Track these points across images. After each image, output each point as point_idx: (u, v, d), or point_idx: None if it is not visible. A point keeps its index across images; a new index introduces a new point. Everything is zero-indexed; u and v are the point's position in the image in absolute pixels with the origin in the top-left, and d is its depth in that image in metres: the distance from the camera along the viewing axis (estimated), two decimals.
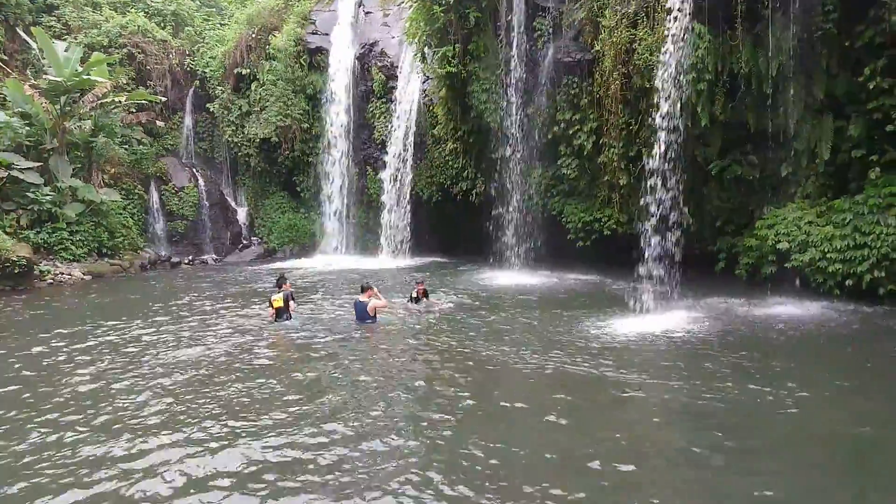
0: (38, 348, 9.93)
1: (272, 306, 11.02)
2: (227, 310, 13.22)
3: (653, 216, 12.58)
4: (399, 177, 22.98)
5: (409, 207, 22.95)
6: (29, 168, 19.32)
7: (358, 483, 4.95)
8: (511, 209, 18.36)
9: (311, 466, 5.27)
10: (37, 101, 20.18)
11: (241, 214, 27.99)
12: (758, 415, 6.41)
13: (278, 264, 23.49)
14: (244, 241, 27.41)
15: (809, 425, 6.28)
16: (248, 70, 25.80)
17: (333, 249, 25.10)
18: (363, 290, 11.23)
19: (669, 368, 8.31)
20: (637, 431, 6.03)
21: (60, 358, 9.26)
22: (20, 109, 20.55)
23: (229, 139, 26.79)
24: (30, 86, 20.68)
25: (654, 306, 11.60)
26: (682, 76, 12.98)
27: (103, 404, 7.02)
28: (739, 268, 14.29)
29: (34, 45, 21.83)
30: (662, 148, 12.85)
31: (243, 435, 5.99)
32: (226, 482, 5.01)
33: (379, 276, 17.90)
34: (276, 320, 10.98)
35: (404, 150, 22.77)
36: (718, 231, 15.22)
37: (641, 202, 13.38)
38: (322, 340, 10.11)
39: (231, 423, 6.33)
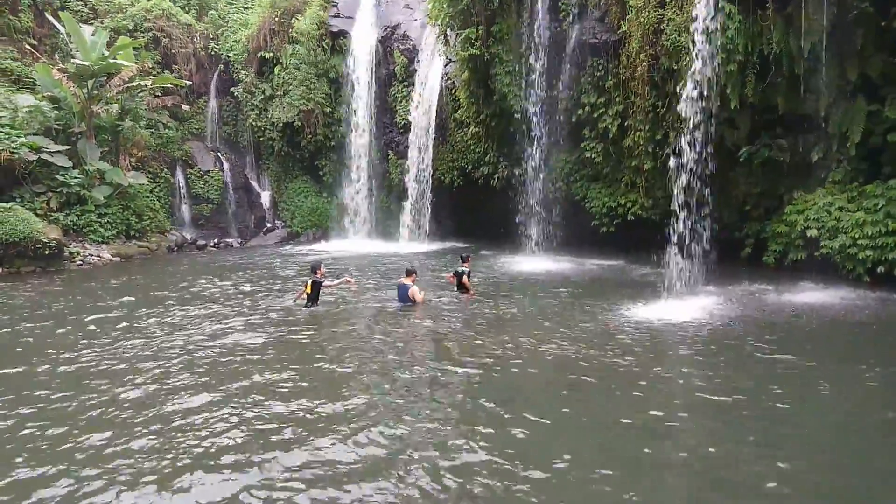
0: (89, 327, 10.17)
1: (306, 290, 11.15)
2: (258, 292, 13.39)
3: (679, 201, 12.40)
4: (420, 161, 22.98)
5: (429, 192, 22.96)
6: (58, 151, 19.63)
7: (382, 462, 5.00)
8: (533, 194, 18.25)
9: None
10: (65, 85, 20.46)
11: (265, 198, 28.23)
12: (787, 405, 6.27)
13: (301, 247, 23.72)
14: (268, 225, 27.68)
15: (836, 412, 6.19)
16: (272, 54, 25.85)
17: (354, 233, 25.24)
18: (408, 273, 11.42)
19: (694, 355, 8.19)
20: (660, 421, 5.91)
21: (103, 339, 9.47)
22: (49, 93, 20.87)
23: (253, 123, 26.95)
24: (58, 70, 20.94)
25: (678, 292, 11.47)
26: (711, 58, 12.72)
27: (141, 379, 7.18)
28: (767, 254, 14.07)
29: (62, 30, 22.08)
30: (690, 131, 12.62)
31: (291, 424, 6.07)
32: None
33: (399, 260, 17.98)
34: (307, 305, 11.10)
35: (426, 134, 22.74)
36: (746, 216, 14.98)
37: (667, 186, 13.20)
38: (349, 322, 10.22)
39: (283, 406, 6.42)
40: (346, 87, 25.20)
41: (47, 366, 7.90)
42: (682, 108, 12.85)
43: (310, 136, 25.71)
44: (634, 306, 10.85)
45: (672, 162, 12.76)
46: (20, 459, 5.17)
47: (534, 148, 17.83)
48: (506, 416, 5.97)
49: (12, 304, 12.46)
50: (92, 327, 10.13)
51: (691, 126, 12.68)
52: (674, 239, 12.25)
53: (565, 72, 16.70)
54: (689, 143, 12.61)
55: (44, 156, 19.15)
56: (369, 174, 25.19)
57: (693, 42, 12.71)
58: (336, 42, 25.44)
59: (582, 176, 17.62)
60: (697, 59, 12.67)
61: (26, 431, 5.77)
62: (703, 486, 4.75)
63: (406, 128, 23.70)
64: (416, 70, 23.35)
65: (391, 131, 25.03)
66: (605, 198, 16.95)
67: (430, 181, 22.94)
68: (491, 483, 4.63)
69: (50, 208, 19.12)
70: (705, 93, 12.73)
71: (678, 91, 13.21)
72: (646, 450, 5.24)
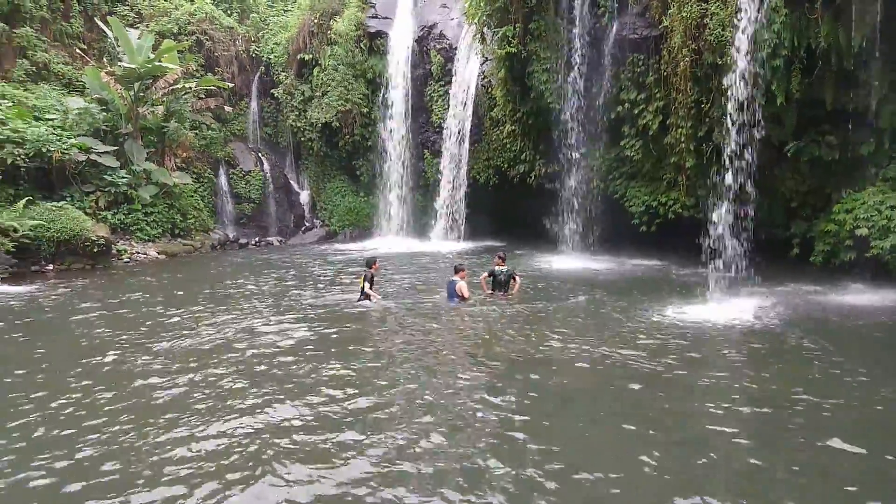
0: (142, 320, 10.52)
1: (361, 284, 11.38)
2: (300, 288, 13.68)
3: (722, 199, 12.11)
4: (456, 160, 23.02)
5: (465, 190, 22.99)
6: (106, 152, 20.30)
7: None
8: (570, 192, 18.08)
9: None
10: (112, 87, 21.14)
11: (304, 197, 28.65)
12: (834, 411, 6.06)
13: (338, 246, 24.03)
14: (306, 224, 28.10)
15: (886, 419, 5.95)
16: (311, 55, 26.22)
17: (391, 232, 25.44)
18: (456, 270, 11.55)
19: (739, 359, 7.96)
20: (700, 424, 5.74)
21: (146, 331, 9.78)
22: (97, 96, 21.60)
23: (292, 124, 27.38)
24: (106, 73, 21.65)
25: (722, 293, 11.19)
26: (756, 52, 12.39)
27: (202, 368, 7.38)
28: (815, 254, 13.63)
29: (110, 34, 22.82)
30: (734, 128, 12.33)
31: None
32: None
33: (434, 258, 18.05)
34: (359, 299, 11.32)
35: (461, 133, 22.77)
36: (792, 215, 14.55)
37: (710, 185, 12.91)
38: (398, 319, 10.32)
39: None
40: (382, 88, 25.40)
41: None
42: (725, 104, 12.55)
43: (347, 136, 26.00)
44: (676, 308, 10.62)
45: (714, 159, 12.48)
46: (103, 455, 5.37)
47: (571, 146, 17.66)
48: (539, 421, 5.85)
49: (68, 300, 12.95)
50: (152, 321, 10.45)
51: (735, 122, 12.39)
52: (715, 238, 11.98)
53: (604, 68, 16.49)
54: (733, 140, 12.31)
55: (93, 156, 19.83)
56: (405, 173, 25.34)
57: (737, 37, 12.41)
58: (373, 42, 25.66)
59: (621, 174, 17.36)
60: (742, 53, 12.37)
61: (115, 427, 5.99)
62: None
63: (441, 127, 23.77)
64: (452, 69, 23.39)
65: (427, 131, 25.13)
66: (645, 196, 16.67)
67: (466, 180, 22.96)
68: (515, 491, 4.51)
69: (98, 207, 19.79)
70: (750, 88, 12.41)
71: (722, 87, 12.92)
72: (683, 463, 4.99)
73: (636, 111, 15.88)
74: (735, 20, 12.55)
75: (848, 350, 8.19)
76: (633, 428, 5.61)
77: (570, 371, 7.46)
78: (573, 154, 17.70)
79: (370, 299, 11.30)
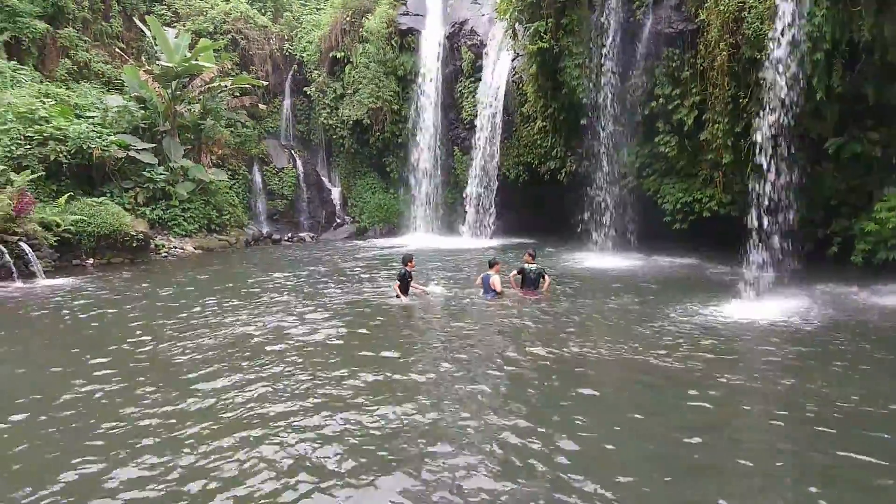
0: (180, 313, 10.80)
1: (400, 282, 11.46)
2: (339, 283, 13.92)
3: (760, 196, 11.86)
4: (486, 156, 22.98)
5: (494, 187, 22.93)
6: (144, 149, 20.79)
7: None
8: (602, 189, 17.90)
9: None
10: (151, 85, 21.62)
11: (335, 194, 28.96)
12: (878, 419, 5.88)
13: (368, 242, 24.24)
14: (338, 220, 28.40)
15: None
16: (343, 53, 26.45)
17: (420, 229, 25.52)
18: (491, 265, 11.63)
19: (776, 361, 7.75)
20: (733, 429, 5.61)
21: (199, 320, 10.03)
22: (136, 94, 22.14)
23: (324, 121, 27.67)
24: (144, 72, 22.14)
25: (758, 293, 10.96)
26: (796, 46, 12.09)
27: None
28: (855, 253, 13.25)
29: (148, 33, 23.34)
30: (772, 123, 12.05)
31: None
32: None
33: (464, 254, 18.07)
34: (397, 296, 11.41)
35: (491, 130, 22.71)
36: (832, 213, 14.16)
37: (747, 181, 12.65)
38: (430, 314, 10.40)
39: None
40: (413, 85, 25.48)
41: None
42: (763, 99, 12.28)
43: (378, 133, 26.17)
44: (711, 306, 10.46)
45: (752, 156, 12.22)
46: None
47: (603, 142, 17.49)
48: (563, 419, 5.77)
49: (109, 293, 13.34)
50: (191, 313, 10.71)
51: (774, 118, 12.11)
52: (754, 236, 11.73)
53: (638, 63, 16.28)
54: (772, 136, 12.04)
55: (132, 153, 20.32)
56: (435, 170, 25.38)
57: (776, 30, 12.11)
58: (404, 40, 25.75)
59: (654, 170, 17.09)
60: (781, 47, 12.08)
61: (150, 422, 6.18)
62: None
63: (472, 123, 23.75)
64: (482, 65, 23.34)
65: (457, 127, 25.13)
66: (680, 193, 16.39)
67: (496, 177, 22.90)
68: (536, 489, 4.47)
69: (137, 203, 20.28)
70: (789, 83, 12.12)
71: (760, 81, 12.64)
72: (708, 473, 4.83)
73: (671, 106, 15.64)
74: (774, 13, 12.25)
75: (890, 352, 7.96)
76: (666, 430, 5.53)
77: (601, 371, 7.40)
78: (605, 150, 17.52)
79: (403, 297, 11.34)
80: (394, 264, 16.95)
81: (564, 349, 8.09)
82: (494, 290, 11.31)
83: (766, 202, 11.77)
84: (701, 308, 10.40)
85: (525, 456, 4.96)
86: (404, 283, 11.34)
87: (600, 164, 17.73)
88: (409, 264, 11.48)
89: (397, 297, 11.37)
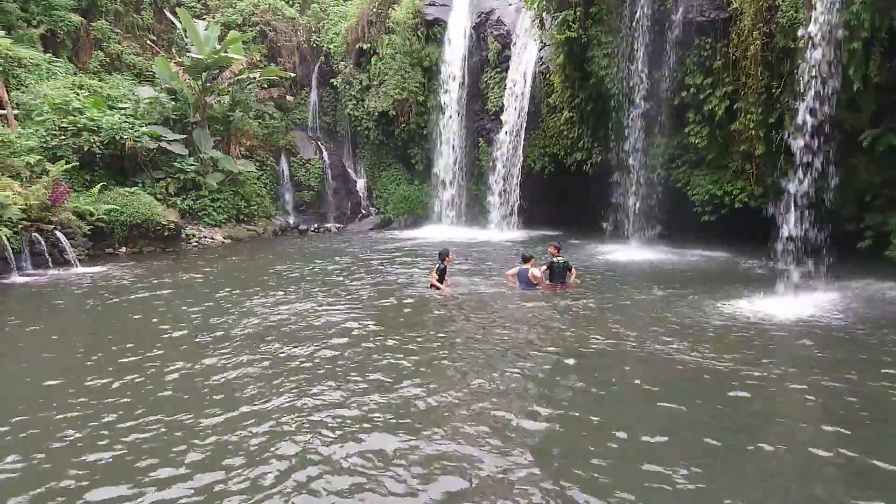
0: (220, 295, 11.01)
1: (434, 275, 11.55)
2: (366, 273, 14.03)
3: (792, 189, 11.61)
4: (511, 147, 22.86)
5: (519, 179, 22.81)
6: (175, 140, 21.14)
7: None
8: (630, 180, 17.69)
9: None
10: (181, 77, 21.94)
11: (360, 185, 29.11)
12: None
13: (393, 233, 24.35)
14: (363, 211, 28.57)
15: None
16: (369, 45, 26.49)
17: (445, 220, 25.53)
18: (525, 259, 11.66)
19: (807, 358, 7.58)
20: (764, 431, 5.41)
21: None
22: (167, 85, 22.49)
23: (350, 113, 27.79)
24: (175, 63, 22.48)
25: (790, 287, 10.74)
26: (832, 35, 11.76)
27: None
28: (891, 248, 12.89)
29: (178, 25, 23.65)
30: (806, 114, 11.77)
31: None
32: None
33: (489, 247, 18.04)
34: (431, 286, 11.54)
35: (517, 121, 22.58)
36: (866, 207, 13.79)
37: (780, 174, 12.39)
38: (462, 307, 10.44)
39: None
40: (438, 76, 25.43)
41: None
42: (798, 89, 11.98)
43: (403, 124, 26.20)
44: (743, 301, 10.25)
45: (785, 147, 11.95)
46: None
47: (631, 132, 17.27)
48: (587, 417, 5.65)
49: (144, 281, 13.65)
50: (221, 301, 10.91)
51: (808, 109, 11.82)
52: (785, 230, 11.49)
53: (668, 52, 16.00)
54: (806, 128, 11.76)
55: (163, 144, 20.67)
56: (459, 162, 25.34)
57: (812, 19, 11.80)
58: (430, 30, 25.69)
59: (684, 162, 16.81)
60: (816, 36, 11.76)
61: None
62: None
63: (497, 114, 23.64)
64: (509, 56, 23.19)
65: (482, 118, 25.04)
66: (710, 185, 16.11)
67: (521, 168, 22.78)
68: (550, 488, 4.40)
69: (168, 193, 20.65)
70: (824, 73, 11.81)
71: (794, 71, 12.34)
72: (754, 466, 4.76)
73: (702, 96, 15.37)
74: (809, 1, 11.93)
75: None
76: (701, 429, 5.40)
77: (631, 366, 7.31)
78: (633, 141, 17.30)
79: (440, 289, 11.42)
80: (418, 256, 17.07)
81: (591, 343, 8.03)
82: (534, 283, 11.33)
83: (799, 195, 11.51)
84: (731, 302, 10.22)
85: (560, 446, 4.96)
86: (441, 277, 11.47)
87: (628, 155, 17.52)
88: (446, 259, 11.61)
89: (431, 286, 11.47)
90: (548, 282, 11.81)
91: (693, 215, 16.60)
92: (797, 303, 10.03)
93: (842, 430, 5.35)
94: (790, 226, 11.40)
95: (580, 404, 5.92)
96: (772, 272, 11.29)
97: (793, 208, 11.48)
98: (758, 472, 4.62)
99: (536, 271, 11.43)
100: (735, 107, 14.64)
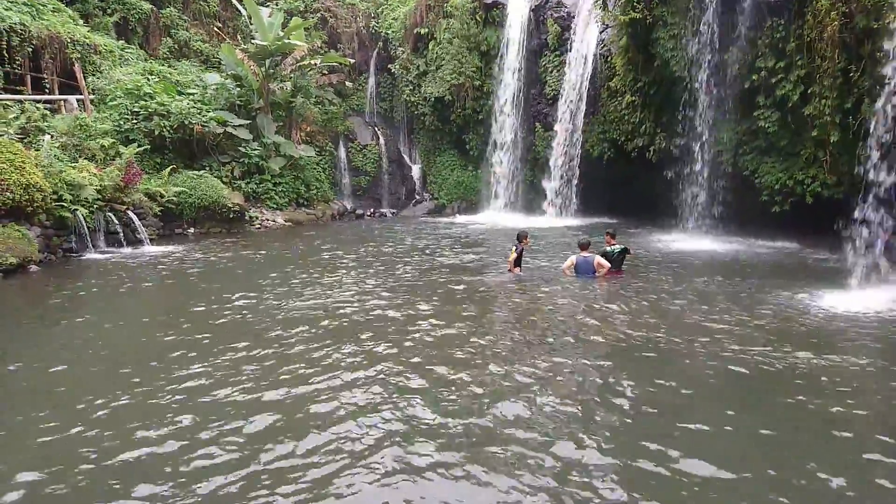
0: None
1: (512, 255, 11.60)
2: (425, 256, 14.22)
3: (871, 178, 11.03)
4: (569, 133, 22.50)
5: (578, 165, 22.46)
6: (240, 125, 21.75)
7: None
8: (695, 167, 17.17)
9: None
10: (246, 64, 22.50)
11: (415, 171, 29.32)
12: None
13: (446, 219, 24.44)
14: (417, 197, 28.79)
15: None
16: (427, 29, 26.49)
17: (499, 206, 25.39)
18: (582, 247, 11.42)
19: (885, 354, 7.20)
20: (850, 443, 4.95)
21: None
22: (233, 72, 23.11)
23: (407, 98, 27.93)
24: (240, 50, 23.06)
25: (866, 281, 10.23)
26: None
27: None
28: None
29: (244, 12, 24.24)
30: (889, 98, 11.13)
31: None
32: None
33: (545, 233, 17.89)
34: (510, 270, 11.63)
35: (577, 105, 22.19)
36: None
37: (856, 162, 11.79)
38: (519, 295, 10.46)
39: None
40: (496, 60, 25.20)
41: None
42: (880, 71, 11.33)
43: (459, 110, 26.15)
44: (812, 295, 9.78)
45: (863, 134, 11.35)
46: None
47: (698, 117, 16.73)
48: (646, 419, 5.37)
49: (214, 260, 14.21)
50: (288, 280, 11.27)
51: (891, 93, 11.17)
52: (860, 221, 10.94)
53: (738, 34, 15.38)
54: (887, 113, 11.13)
55: (228, 129, 21.29)
56: (515, 147, 25.12)
57: None
58: (489, 14, 25.46)
59: (753, 148, 16.16)
60: None
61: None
62: None
63: (555, 99, 23.29)
64: (569, 38, 22.76)
65: (539, 103, 24.71)
66: (780, 173, 15.45)
67: (579, 154, 22.41)
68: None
69: (234, 177, 21.31)
70: None
71: (877, 53, 11.68)
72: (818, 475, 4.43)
73: (773, 80, 14.74)
74: None
75: None
76: (763, 430, 5.10)
77: (691, 361, 6.99)
78: (700, 126, 16.75)
79: (515, 270, 11.51)
80: (473, 240, 17.09)
81: (650, 334, 7.85)
82: (597, 270, 11.05)
83: (877, 185, 10.93)
84: (800, 297, 9.80)
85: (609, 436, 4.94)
86: (518, 259, 11.53)
87: (694, 141, 16.99)
88: (524, 241, 11.56)
89: (510, 270, 11.56)
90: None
91: (760, 204, 16.00)
92: (871, 298, 9.52)
93: None
94: (866, 217, 10.84)
95: (631, 400, 5.84)
96: (844, 266, 10.76)
97: (869, 199, 10.92)
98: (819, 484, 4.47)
99: (603, 260, 11.16)
100: (809, 91, 13.99)
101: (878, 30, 11.85)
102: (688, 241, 16.05)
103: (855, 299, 9.48)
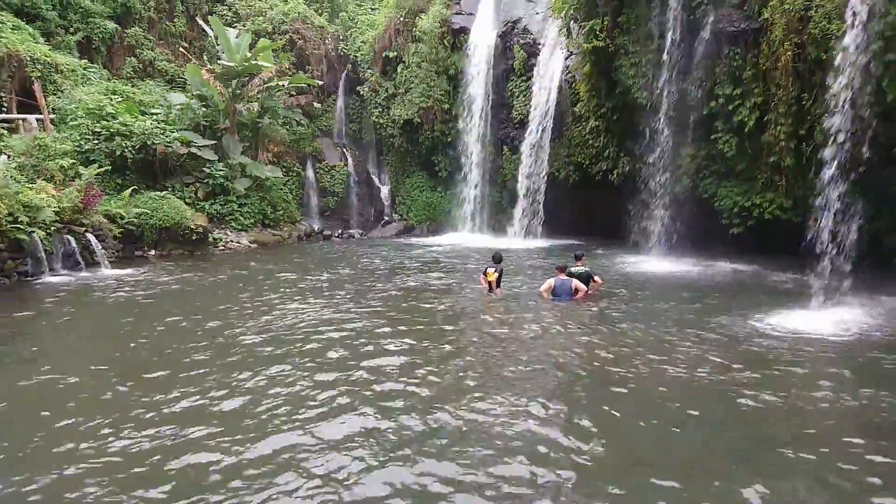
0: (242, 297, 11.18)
1: (488, 278, 11.68)
2: (390, 278, 14.05)
3: (824, 201, 11.42)
4: (535, 156, 22.83)
5: (543, 187, 22.76)
6: (205, 146, 21.48)
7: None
8: (656, 190, 17.55)
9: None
10: (212, 84, 22.25)
11: (384, 192, 29.29)
12: None
13: (415, 240, 24.45)
14: (386, 218, 28.72)
15: None
16: (396, 53, 26.70)
17: (467, 228, 25.54)
18: (560, 269, 11.57)
19: (844, 375, 7.40)
20: (805, 460, 5.13)
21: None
22: (198, 92, 22.88)
23: (376, 120, 28.01)
24: (206, 70, 22.83)
25: (824, 302, 10.53)
26: (866, 46, 11.59)
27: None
28: None
29: (210, 33, 24.07)
30: (838, 126, 11.59)
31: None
32: None
33: (513, 255, 17.99)
34: (489, 292, 11.76)
35: (542, 129, 22.55)
36: None
37: (810, 185, 12.20)
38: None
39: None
40: (463, 84, 25.52)
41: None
42: (830, 101, 11.82)
43: (428, 132, 26.32)
44: (773, 316, 10.03)
45: (816, 159, 11.78)
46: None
47: (658, 142, 17.15)
48: (598, 445, 5.37)
49: (172, 283, 13.88)
50: (247, 304, 11.06)
51: (840, 120, 11.63)
52: (817, 243, 11.30)
53: (697, 62, 15.90)
54: (837, 139, 11.58)
55: (193, 149, 21.00)
56: (483, 169, 25.34)
57: (845, 30, 11.64)
58: (457, 39, 25.80)
59: (712, 172, 16.64)
60: (849, 48, 11.59)
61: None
62: None
63: (522, 123, 23.65)
64: (535, 64, 23.20)
65: (506, 126, 25.07)
66: (738, 196, 15.91)
67: (545, 177, 22.72)
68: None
69: (197, 197, 20.96)
70: (858, 84, 11.63)
71: (826, 83, 12.17)
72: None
73: (731, 107, 15.24)
74: (842, 12, 11.77)
75: None
76: (729, 451, 5.24)
77: (654, 382, 7.09)
78: (661, 151, 17.17)
79: (500, 292, 11.64)
80: (442, 261, 17.10)
81: (611, 358, 7.91)
82: (575, 294, 11.14)
83: (830, 208, 11.32)
84: (761, 316, 10.03)
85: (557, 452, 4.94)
86: (499, 278, 11.71)
87: (655, 165, 17.39)
88: (500, 264, 11.82)
89: (489, 291, 11.71)
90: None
91: (720, 227, 16.41)
92: (827, 318, 9.82)
93: (860, 456, 5.24)
94: (820, 238, 11.21)
95: (591, 427, 5.87)
96: (802, 286, 11.07)
97: (823, 221, 11.30)
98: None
99: (581, 285, 11.26)
100: (765, 118, 14.50)
101: (828, 61, 12.37)
102: (652, 264, 16.31)
103: (811, 319, 9.74)
